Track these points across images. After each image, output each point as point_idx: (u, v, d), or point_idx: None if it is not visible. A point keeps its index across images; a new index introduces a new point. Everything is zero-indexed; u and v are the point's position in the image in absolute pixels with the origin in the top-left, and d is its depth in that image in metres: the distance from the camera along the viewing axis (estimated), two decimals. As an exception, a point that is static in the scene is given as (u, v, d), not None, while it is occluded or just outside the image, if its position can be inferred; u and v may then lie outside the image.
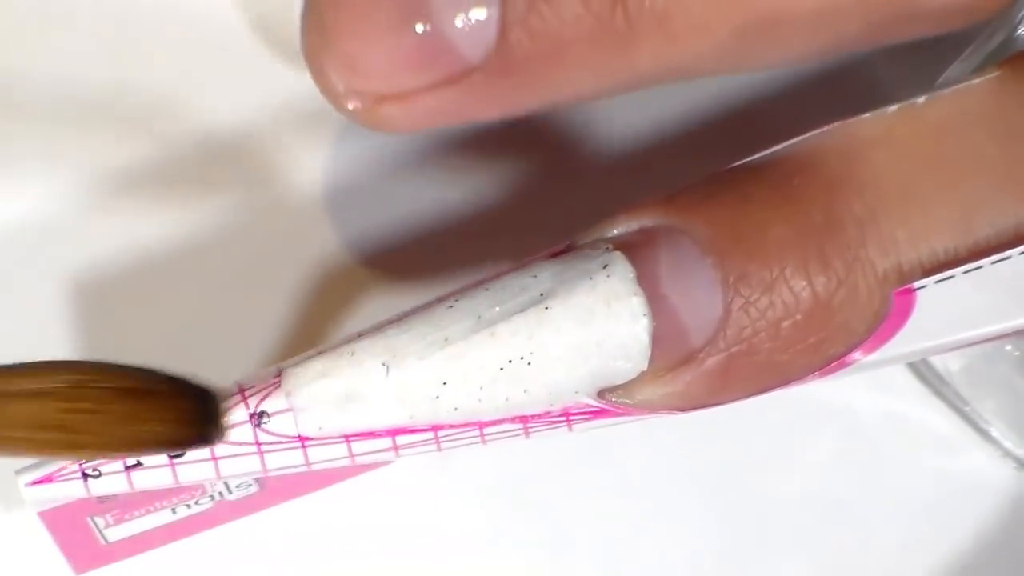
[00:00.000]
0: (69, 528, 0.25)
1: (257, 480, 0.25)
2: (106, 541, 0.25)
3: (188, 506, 0.25)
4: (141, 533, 0.26)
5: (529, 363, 0.22)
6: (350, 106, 0.23)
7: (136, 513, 0.25)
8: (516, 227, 0.29)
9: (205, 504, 0.25)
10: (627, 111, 0.25)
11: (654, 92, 0.25)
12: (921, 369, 0.29)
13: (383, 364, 0.23)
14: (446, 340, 0.23)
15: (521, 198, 0.29)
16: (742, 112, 0.29)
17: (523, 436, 0.23)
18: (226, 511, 0.26)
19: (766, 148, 0.24)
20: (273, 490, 0.26)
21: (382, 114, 0.23)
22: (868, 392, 0.29)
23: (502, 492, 0.29)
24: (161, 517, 0.25)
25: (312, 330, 0.28)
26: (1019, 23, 0.25)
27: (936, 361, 0.28)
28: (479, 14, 0.22)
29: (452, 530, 0.29)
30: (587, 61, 0.23)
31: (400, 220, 0.29)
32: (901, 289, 0.23)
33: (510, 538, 0.29)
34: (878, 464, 0.29)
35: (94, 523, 0.25)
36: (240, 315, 0.28)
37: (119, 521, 0.25)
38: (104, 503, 0.25)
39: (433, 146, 0.29)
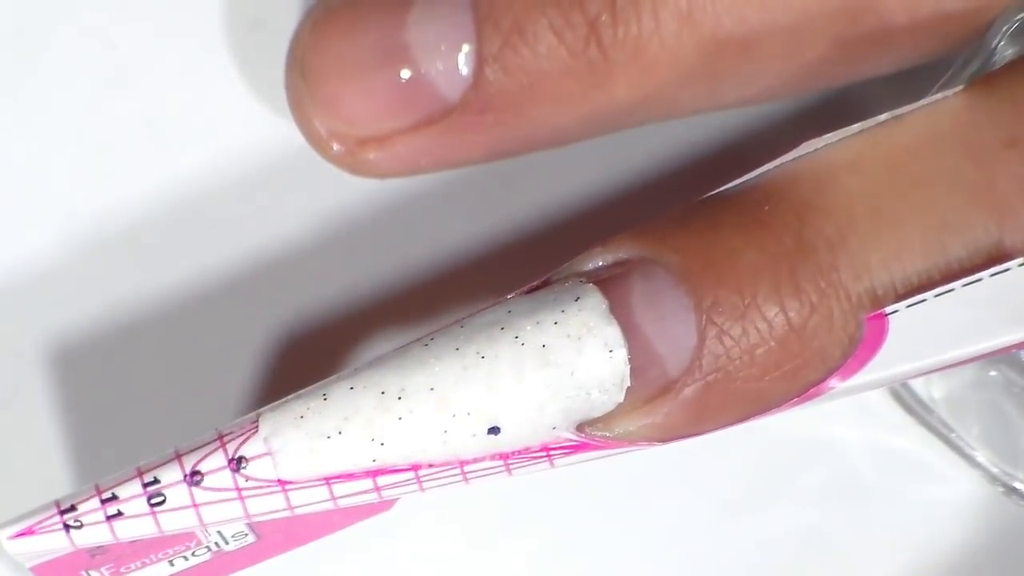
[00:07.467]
0: (65, 585, 0.25)
1: (252, 529, 0.25)
2: (105, 599, 0.26)
3: (185, 558, 0.25)
4: (141, 590, 0.26)
5: (505, 398, 0.23)
6: (333, 150, 0.24)
7: (132, 566, 0.25)
8: (495, 267, 0.29)
9: (203, 555, 0.25)
10: (605, 146, 0.25)
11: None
12: (905, 397, 0.29)
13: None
14: (421, 379, 0.23)
15: (499, 237, 0.29)
16: (721, 145, 0.29)
17: (505, 473, 0.23)
18: (226, 563, 0.26)
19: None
20: (271, 540, 0.26)
21: (364, 158, 0.24)
22: (852, 423, 0.29)
23: (501, 537, 0.29)
24: (159, 570, 0.25)
25: (294, 381, 0.28)
26: (994, 50, 0.25)
27: (920, 389, 0.28)
28: (456, 52, 0.23)
29: (458, 569, 0.29)
30: (564, 94, 0.23)
31: (376, 266, 0.29)
32: (873, 314, 0.23)
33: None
34: (864, 495, 0.29)
35: (90, 579, 0.25)
36: (220, 370, 0.29)
37: None
38: (97, 557, 0.24)
39: (409, 190, 0.29)
